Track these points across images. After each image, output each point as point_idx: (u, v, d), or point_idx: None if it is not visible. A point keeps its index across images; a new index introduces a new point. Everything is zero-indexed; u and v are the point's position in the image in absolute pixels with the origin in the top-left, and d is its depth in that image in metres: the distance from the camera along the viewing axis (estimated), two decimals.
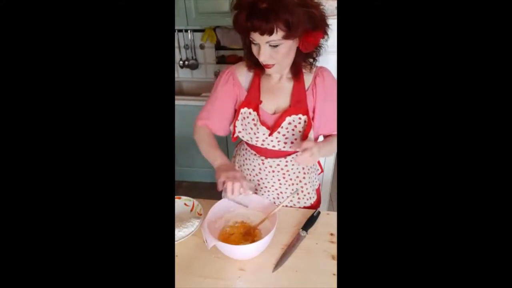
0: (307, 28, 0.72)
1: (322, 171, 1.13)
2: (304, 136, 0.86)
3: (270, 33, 0.68)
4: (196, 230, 0.85)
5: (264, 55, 0.73)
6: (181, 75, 2.53)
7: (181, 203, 0.98)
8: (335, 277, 0.73)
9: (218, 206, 0.86)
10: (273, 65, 0.76)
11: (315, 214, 0.91)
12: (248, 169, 1.01)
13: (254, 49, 0.75)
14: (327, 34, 0.77)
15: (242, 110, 0.87)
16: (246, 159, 1.00)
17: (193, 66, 2.44)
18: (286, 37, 0.70)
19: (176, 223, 0.86)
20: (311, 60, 0.83)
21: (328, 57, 1.47)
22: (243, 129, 0.89)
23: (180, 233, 0.83)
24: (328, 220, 0.91)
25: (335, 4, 1.38)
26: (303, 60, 0.82)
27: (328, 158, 1.74)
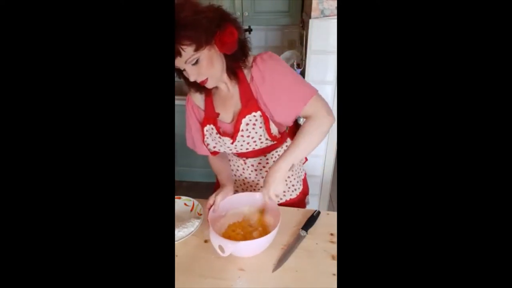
0: (214, 32, 0.71)
1: (306, 160, 1.14)
2: (267, 130, 0.86)
3: (179, 54, 0.69)
4: (196, 230, 0.85)
5: (192, 74, 0.74)
6: None
7: (181, 203, 0.98)
8: (335, 277, 0.73)
9: (222, 204, 0.88)
10: (206, 79, 0.77)
11: (315, 214, 0.91)
12: (233, 169, 1.05)
13: (184, 74, 0.77)
14: (240, 28, 0.76)
15: (205, 128, 0.91)
16: (230, 160, 1.05)
17: None
18: (196, 49, 0.70)
19: (176, 223, 0.86)
20: (242, 57, 0.81)
21: (328, 57, 1.48)
22: (215, 144, 0.92)
23: (180, 233, 0.83)
24: (328, 220, 0.91)
25: (335, 4, 1.38)
26: (234, 61, 0.80)
27: (328, 158, 1.74)
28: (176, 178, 2.48)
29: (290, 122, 0.88)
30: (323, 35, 1.42)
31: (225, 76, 0.82)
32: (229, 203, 0.89)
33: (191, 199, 0.98)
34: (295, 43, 2.36)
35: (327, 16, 1.41)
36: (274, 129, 0.87)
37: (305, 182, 1.12)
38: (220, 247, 0.73)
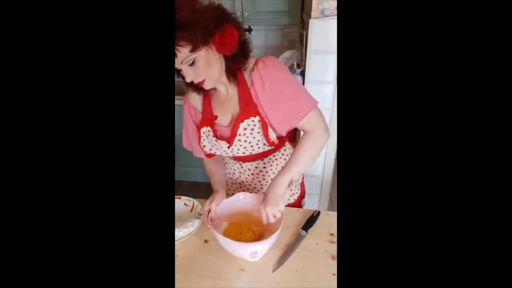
0: (212, 33, 0.68)
1: None
2: (265, 136, 0.84)
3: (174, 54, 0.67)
4: (196, 230, 0.85)
5: (188, 75, 0.72)
6: None
7: (181, 203, 0.98)
8: (335, 277, 0.73)
9: (221, 206, 0.87)
10: (203, 80, 0.74)
11: (315, 214, 0.91)
12: (229, 173, 1.04)
13: (181, 74, 0.74)
14: (241, 28, 0.73)
15: (202, 130, 0.89)
16: (227, 163, 1.04)
17: None
18: (192, 50, 0.67)
19: (176, 223, 0.86)
20: (242, 59, 0.79)
21: (328, 57, 1.48)
22: (211, 146, 0.90)
23: (180, 233, 0.83)
24: (328, 220, 0.91)
25: (335, 4, 1.39)
26: (233, 63, 0.78)
27: (328, 158, 1.74)
28: (176, 178, 2.48)
29: (284, 133, 0.85)
30: (323, 35, 1.42)
31: (224, 78, 0.80)
32: (223, 209, 0.88)
33: (191, 199, 0.98)
34: (295, 43, 2.36)
35: (327, 16, 1.41)
36: (272, 135, 0.85)
37: (302, 185, 1.11)
38: (253, 253, 0.72)
